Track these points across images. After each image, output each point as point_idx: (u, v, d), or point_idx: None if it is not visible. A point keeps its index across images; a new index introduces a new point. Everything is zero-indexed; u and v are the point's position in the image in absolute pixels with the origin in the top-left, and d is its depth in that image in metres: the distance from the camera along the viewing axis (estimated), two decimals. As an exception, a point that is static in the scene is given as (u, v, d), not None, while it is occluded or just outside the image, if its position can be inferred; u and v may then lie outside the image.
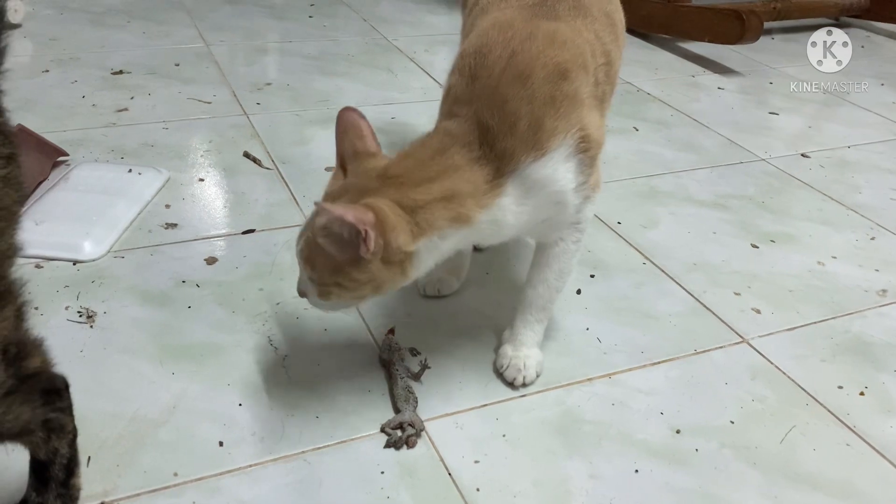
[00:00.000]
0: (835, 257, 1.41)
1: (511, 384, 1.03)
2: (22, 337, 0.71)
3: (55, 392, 0.75)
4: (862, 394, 1.08)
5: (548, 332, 1.08)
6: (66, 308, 1.11)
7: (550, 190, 0.90)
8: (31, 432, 0.73)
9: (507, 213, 0.89)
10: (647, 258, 1.35)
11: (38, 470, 0.76)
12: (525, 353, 1.04)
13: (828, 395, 1.07)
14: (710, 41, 2.40)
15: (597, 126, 0.92)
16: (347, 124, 0.90)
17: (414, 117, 1.82)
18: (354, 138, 0.90)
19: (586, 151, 0.90)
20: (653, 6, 2.48)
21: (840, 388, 1.09)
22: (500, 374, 1.05)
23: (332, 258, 0.82)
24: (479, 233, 0.90)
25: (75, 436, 0.78)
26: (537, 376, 1.04)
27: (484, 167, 0.86)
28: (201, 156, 1.59)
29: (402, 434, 0.93)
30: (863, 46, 2.69)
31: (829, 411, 1.04)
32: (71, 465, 0.77)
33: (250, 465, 0.89)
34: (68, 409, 0.77)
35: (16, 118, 1.56)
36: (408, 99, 1.94)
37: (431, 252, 0.87)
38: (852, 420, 1.03)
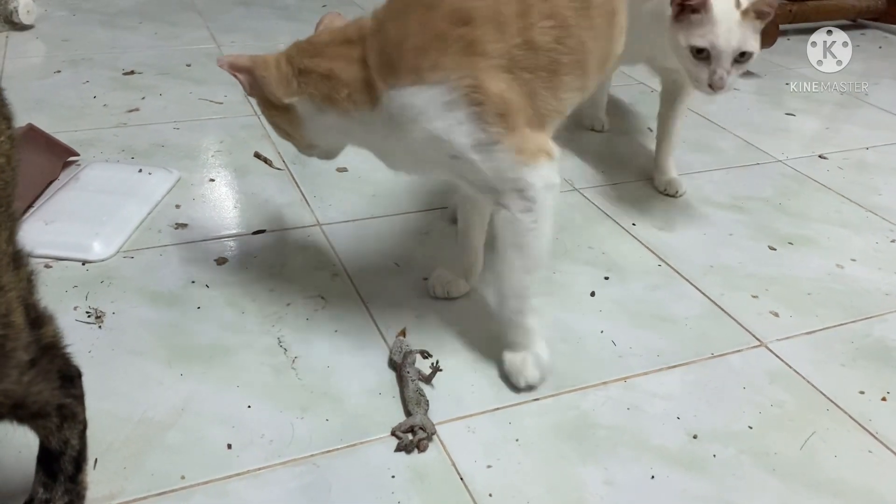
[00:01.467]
0: (854, 260, 1.38)
1: (516, 388, 1.01)
2: (35, 304, 0.72)
3: (69, 378, 0.76)
4: (884, 399, 1.06)
5: (561, 334, 1.07)
6: (75, 308, 1.10)
7: (428, 129, 0.90)
8: (48, 415, 0.73)
9: (378, 127, 0.94)
10: (662, 260, 1.33)
11: (47, 462, 0.76)
12: (522, 354, 1.02)
13: (849, 400, 1.05)
14: None
15: (500, 85, 0.90)
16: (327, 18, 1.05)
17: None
18: (326, 19, 1.04)
19: (480, 105, 0.89)
20: None
21: (861, 393, 1.06)
22: (506, 379, 1.03)
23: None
24: (362, 132, 0.98)
25: (85, 427, 0.78)
26: (541, 375, 1.01)
27: (367, 70, 0.92)
28: (212, 156, 1.58)
29: (413, 438, 0.92)
30: (880, 47, 2.66)
31: (850, 417, 1.02)
32: (79, 460, 0.77)
33: (259, 469, 0.88)
34: (81, 398, 0.78)
35: (27, 118, 1.56)
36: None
37: (315, 117, 0.97)
38: (874, 426, 1.01)
